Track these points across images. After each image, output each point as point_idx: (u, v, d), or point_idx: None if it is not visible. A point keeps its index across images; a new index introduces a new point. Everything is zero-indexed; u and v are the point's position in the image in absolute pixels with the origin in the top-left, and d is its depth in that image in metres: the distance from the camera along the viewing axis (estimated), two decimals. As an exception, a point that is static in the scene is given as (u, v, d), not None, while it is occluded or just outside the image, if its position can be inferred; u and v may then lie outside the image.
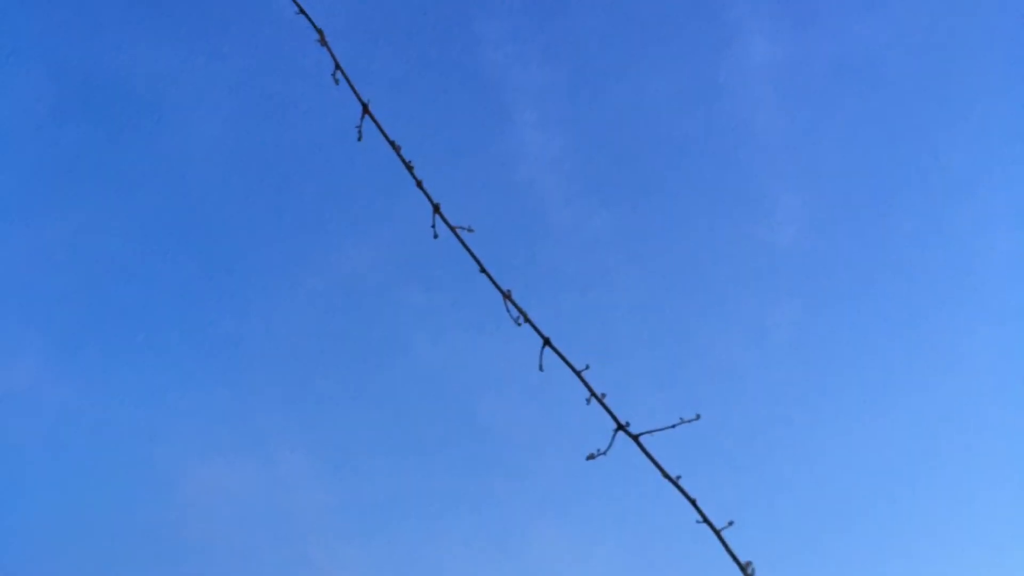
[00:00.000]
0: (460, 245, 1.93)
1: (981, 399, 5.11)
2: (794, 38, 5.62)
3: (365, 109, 1.96)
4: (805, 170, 5.60)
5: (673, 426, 1.87)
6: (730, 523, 1.81)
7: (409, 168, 1.94)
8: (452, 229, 1.93)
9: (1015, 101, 5.10)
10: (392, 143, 1.94)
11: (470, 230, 1.94)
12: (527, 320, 1.88)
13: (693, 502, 1.83)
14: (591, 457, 1.88)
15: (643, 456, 1.86)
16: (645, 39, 5.63)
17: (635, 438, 1.86)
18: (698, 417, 1.89)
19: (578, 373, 1.88)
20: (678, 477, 1.84)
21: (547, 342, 1.89)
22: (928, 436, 5.15)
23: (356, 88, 1.96)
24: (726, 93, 5.57)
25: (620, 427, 1.86)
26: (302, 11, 1.97)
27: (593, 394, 1.87)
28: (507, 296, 1.89)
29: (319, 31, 1.97)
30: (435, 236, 1.94)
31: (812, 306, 5.53)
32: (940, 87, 5.47)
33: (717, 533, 1.81)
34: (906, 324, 5.42)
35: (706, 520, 1.82)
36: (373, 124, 1.95)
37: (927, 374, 5.34)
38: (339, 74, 1.96)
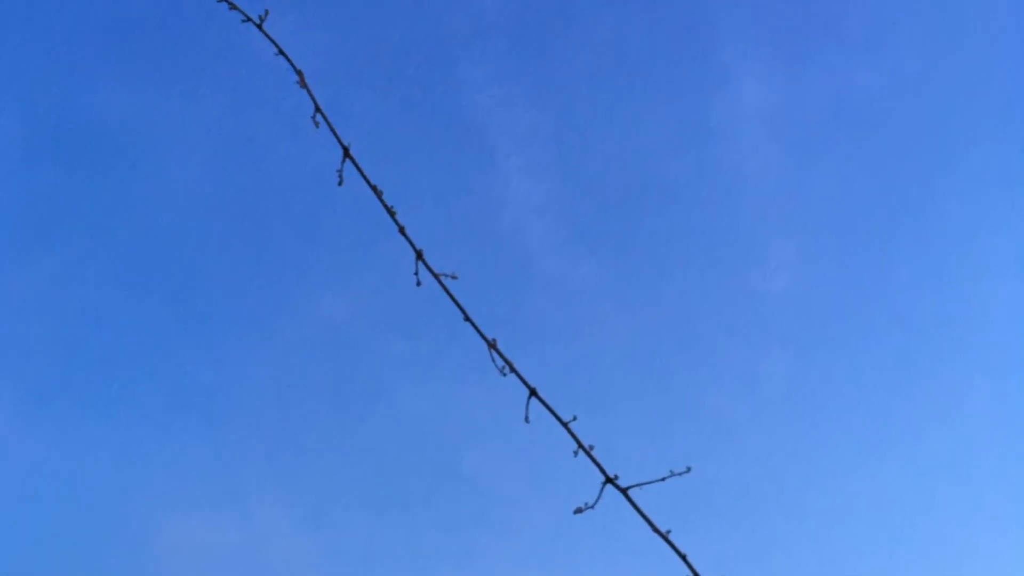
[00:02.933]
0: (444, 293, 1.93)
1: (979, 452, 5.10)
2: (787, 81, 5.65)
3: (346, 153, 1.96)
4: (798, 216, 5.62)
5: (663, 479, 1.87)
6: (722, 579, 1.81)
7: (391, 213, 1.94)
8: (436, 276, 1.93)
9: (1013, 146, 5.12)
10: (374, 188, 1.94)
11: (454, 277, 1.94)
12: (513, 370, 1.88)
13: (683, 557, 1.83)
14: (579, 511, 1.87)
15: (632, 510, 1.85)
16: (634, 81, 5.65)
17: (624, 491, 1.86)
18: (688, 470, 1.89)
19: (565, 424, 1.87)
20: (668, 532, 1.83)
21: (533, 392, 1.88)
22: (924, 489, 5.15)
23: (337, 131, 1.97)
24: (717, 137, 5.59)
25: (608, 480, 1.86)
26: (281, 52, 1.97)
27: (581, 446, 1.86)
28: (492, 345, 1.88)
29: (299, 72, 1.97)
30: (418, 283, 1.94)
31: (805, 356, 5.53)
32: (937, 132, 5.49)
33: (708, 589, 1.81)
34: (902, 375, 5.42)
35: (697, 576, 1.82)
36: (354, 168, 1.96)
37: (923, 426, 5.34)
38: (319, 117, 1.97)
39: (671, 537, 1.83)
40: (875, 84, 5.62)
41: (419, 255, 1.94)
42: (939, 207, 5.46)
